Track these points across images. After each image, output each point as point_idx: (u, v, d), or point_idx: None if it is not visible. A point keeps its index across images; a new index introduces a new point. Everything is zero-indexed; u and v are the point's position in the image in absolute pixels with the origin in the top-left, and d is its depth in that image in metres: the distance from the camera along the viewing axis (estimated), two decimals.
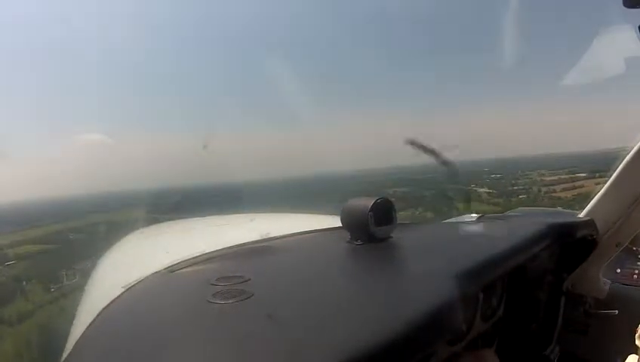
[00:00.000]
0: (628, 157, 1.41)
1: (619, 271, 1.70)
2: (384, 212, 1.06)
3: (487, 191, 8.82)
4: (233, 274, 0.79)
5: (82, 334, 0.67)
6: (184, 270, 0.92)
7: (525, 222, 1.41)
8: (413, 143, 1.53)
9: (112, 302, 0.77)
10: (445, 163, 1.60)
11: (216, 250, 1.04)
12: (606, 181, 1.50)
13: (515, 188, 9.35)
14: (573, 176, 8.69)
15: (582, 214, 1.56)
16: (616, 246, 1.52)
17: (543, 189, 8.90)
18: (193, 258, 0.97)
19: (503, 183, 9.59)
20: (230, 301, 0.66)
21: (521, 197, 8.65)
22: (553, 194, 8.56)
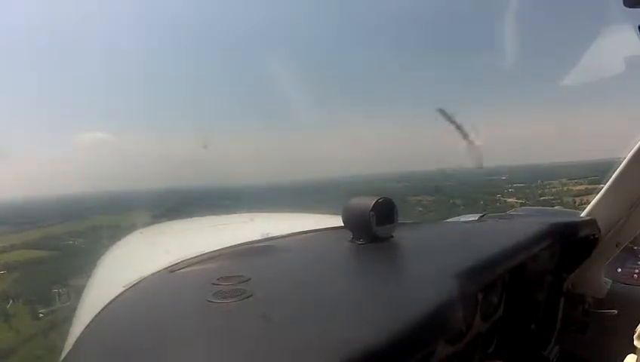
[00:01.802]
0: (629, 157, 1.41)
1: (619, 270, 1.71)
2: (385, 211, 1.06)
3: (517, 201, 8.48)
4: (234, 273, 0.79)
5: (82, 333, 0.67)
6: (184, 270, 0.91)
7: (527, 222, 1.41)
8: (442, 113, 1.49)
9: (112, 301, 0.77)
10: (470, 143, 1.55)
11: (217, 250, 1.03)
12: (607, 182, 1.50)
13: (545, 198, 8.96)
14: (598, 186, 8.33)
15: (583, 214, 1.57)
16: (617, 245, 1.53)
17: (577, 200, 8.46)
18: (193, 258, 0.97)
19: (530, 193, 9.21)
20: (231, 300, 0.66)
21: (556, 208, 8.35)
22: None
